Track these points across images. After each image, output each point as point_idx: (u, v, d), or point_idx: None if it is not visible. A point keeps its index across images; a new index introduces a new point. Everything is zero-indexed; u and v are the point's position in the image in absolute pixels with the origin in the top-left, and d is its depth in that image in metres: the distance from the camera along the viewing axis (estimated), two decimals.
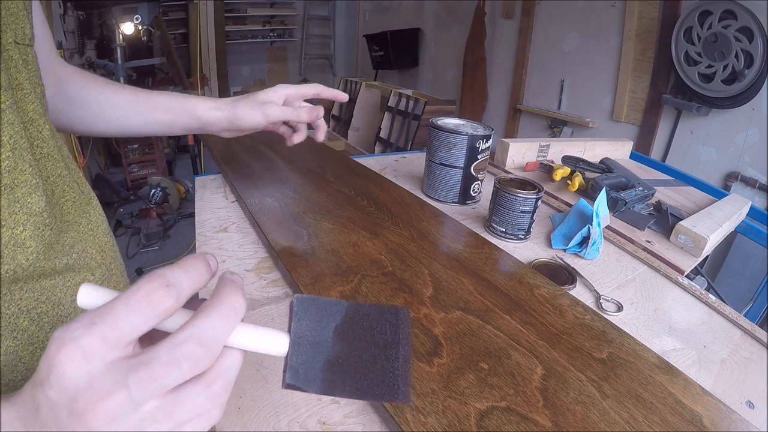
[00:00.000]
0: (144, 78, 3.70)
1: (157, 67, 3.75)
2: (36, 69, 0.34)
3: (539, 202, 0.68)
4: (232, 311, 0.20)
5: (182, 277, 0.20)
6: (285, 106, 0.58)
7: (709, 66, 1.79)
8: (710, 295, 0.59)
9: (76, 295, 0.31)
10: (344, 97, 0.63)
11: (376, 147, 2.60)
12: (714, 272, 1.83)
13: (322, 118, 0.61)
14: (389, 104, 2.54)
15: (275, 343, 0.22)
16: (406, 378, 0.23)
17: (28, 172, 0.29)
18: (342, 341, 0.23)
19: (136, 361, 0.18)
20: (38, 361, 0.29)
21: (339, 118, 3.17)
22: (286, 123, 0.63)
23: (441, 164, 0.80)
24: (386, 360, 0.24)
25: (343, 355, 0.23)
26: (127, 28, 3.05)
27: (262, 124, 0.57)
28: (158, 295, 0.19)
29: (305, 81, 5.35)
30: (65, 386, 0.18)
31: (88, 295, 0.21)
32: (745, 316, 0.57)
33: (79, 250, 0.34)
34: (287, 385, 0.22)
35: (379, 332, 0.24)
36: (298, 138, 0.63)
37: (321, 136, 0.64)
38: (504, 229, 0.70)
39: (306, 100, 0.62)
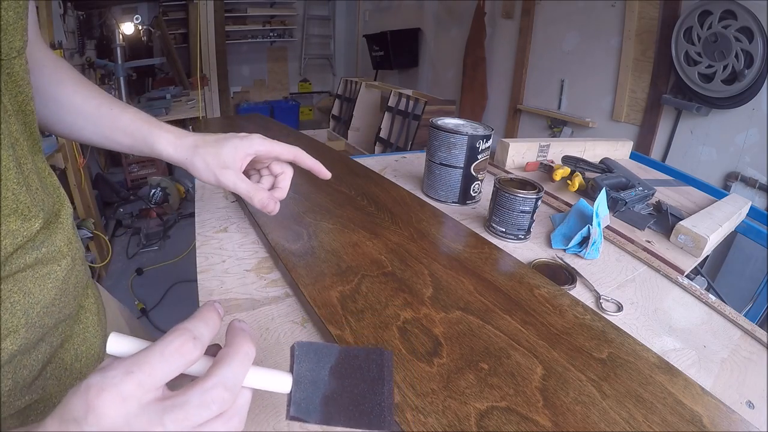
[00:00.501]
0: (144, 78, 3.70)
1: (157, 67, 3.75)
2: (23, 78, 0.34)
3: (539, 202, 0.68)
4: (246, 358, 0.24)
5: (204, 330, 0.24)
6: (257, 160, 0.50)
7: (709, 66, 1.79)
8: (710, 295, 0.59)
9: (44, 285, 0.35)
10: (326, 174, 0.52)
11: (376, 147, 2.60)
12: (714, 272, 1.82)
13: (285, 186, 0.52)
14: (389, 104, 2.54)
15: (280, 382, 0.27)
16: (390, 409, 0.28)
17: (10, 198, 0.31)
18: (336, 379, 0.28)
19: (170, 403, 0.21)
20: (12, 345, 0.32)
21: (339, 118, 3.17)
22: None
23: (441, 164, 0.80)
24: (373, 394, 0.28)
25: (338, 391, 0.27)
26: (127, 28, 3.05)
27: (214, 184, 0.48)
28: (188, 348, 0.23)
29: (305, 81, 5.36)
30: (104, 425, 0.20)
31: (116, 344, 0.25)
32: (745, 316, 0.57)
33: (48, 245, 0.36)
34: (291, 417, 0.26)
35: (367, 371, 0.28)
36: (272, 206, 0.48)
37: (273, 207, 0.49)
38: (504, 229, 0.70)
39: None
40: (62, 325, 0.38)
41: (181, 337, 0.23)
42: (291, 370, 0.27)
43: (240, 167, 0.47)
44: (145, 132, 0.47)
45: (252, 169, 0.52)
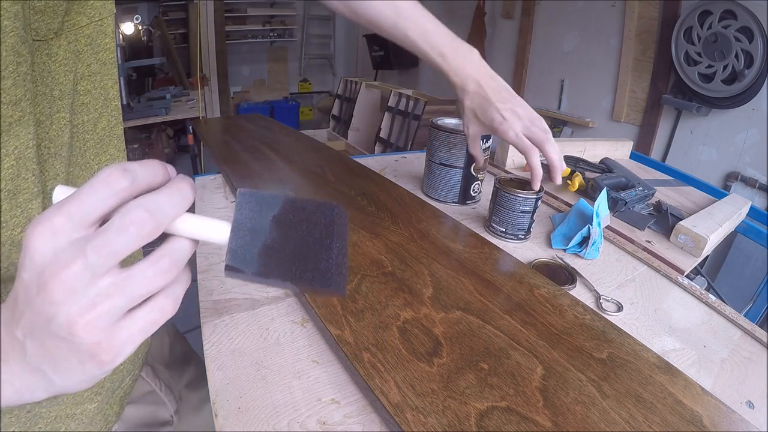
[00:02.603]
0: (144, 78, 3.69)
1: (157, 67, 3.75)
2: (68, 57, 0.34)
3: (539, 202, 0.68)
4: (179, 193, 0.22)
5: (137, 167, 0.22)
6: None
7: (709, 66, 1.79)
8: (710, 295, 0.59)
9: None
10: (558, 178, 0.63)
11: (376, 147, 2.60)
12: (714, 272, 1.83)
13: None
14: (389, 104, 2.54)
15: (217, 230, 0.24)
16: (340, 269, 0.25)
17: (30, 180, 0.31)
18: (278, 229, 0.24)
19: (93, 234, 0.20)
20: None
21: (339, 118, 3.17)
22: None
23: (441, 164, 0.80)
24: (320, 249, 0.24)
25: (279, 241, 0.24)
26: (127, 28, 3.05)
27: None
28: (115, 177, 0.21)
29: (305, 81, 5.36)
30: (35, 262, 0.20)
31: (63, 193, 0.23)
32: (745, 316, 0.56)
33: None
34: (227, 267, 0.23)
35: (315, 224, 0.25)
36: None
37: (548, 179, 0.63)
38: (504, 229, 0.70)
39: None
40: None
41: (110, 168, 0.21)
42: None
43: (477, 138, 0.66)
44: (431, 53, 0.68)
45: None
